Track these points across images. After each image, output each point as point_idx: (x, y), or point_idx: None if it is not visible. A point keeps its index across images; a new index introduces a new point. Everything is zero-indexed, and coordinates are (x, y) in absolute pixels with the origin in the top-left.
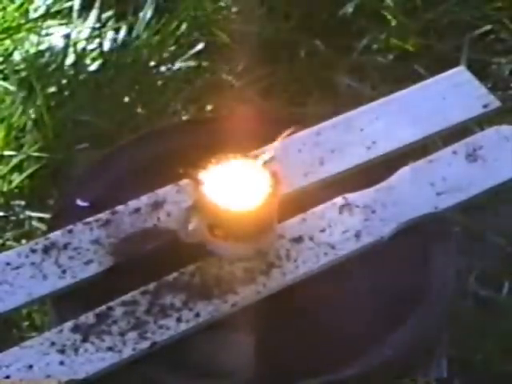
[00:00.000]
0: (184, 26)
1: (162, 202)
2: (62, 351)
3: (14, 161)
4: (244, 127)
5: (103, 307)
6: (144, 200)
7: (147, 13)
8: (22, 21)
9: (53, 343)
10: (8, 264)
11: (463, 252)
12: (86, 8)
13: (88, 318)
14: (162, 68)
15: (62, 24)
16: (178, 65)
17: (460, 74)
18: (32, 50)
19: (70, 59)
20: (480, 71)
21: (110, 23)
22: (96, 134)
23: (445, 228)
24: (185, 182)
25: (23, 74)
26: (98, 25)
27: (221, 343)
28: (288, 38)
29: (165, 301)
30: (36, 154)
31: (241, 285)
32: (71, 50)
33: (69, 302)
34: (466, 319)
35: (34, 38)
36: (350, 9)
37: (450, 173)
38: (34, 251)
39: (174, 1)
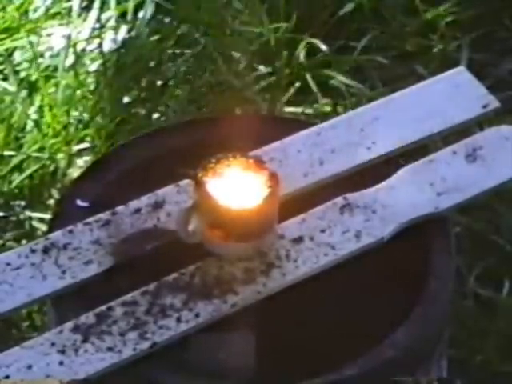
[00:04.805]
0: (184, 26)
1: (162, 202)
2: (62, 351)
3: (14, 161)
4: (244, 127)
5: (103, 307)
6: (144, 200)
7: (147, 13)
8: (22, 21)
9: (53, 343)
10: (8, 264)
11: (463, 252)
12: (85, 8)
13: (88, 318)
14: (162, 68)
15: (61, 24)
16: (178, 65)
17: (460, 74)
18: (32, 50)
19: (70, 59)
20: (480, 71)
21: (109, 23)
22: (96, 133)
23: (445, 228)
24: (185, 182)
25: (23, 73)
26: (97, 25)
27: (221, 343)
28: (288, 38)
29: (165, 301)
30: (36, 154)
31: (241, 285)
32: (71, 50)
33: (69, 303)
34: (466, 319)
35: (33, 38)
36: (349, 9)
37: (449, 173)
38: (34, 251)
39: (174, 1)
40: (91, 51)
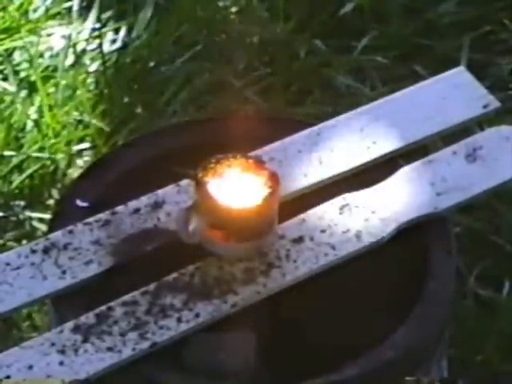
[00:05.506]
0: (184, 26)
1: (162, 202)
2: (62, 351)
3: (14, 161)
4: (244, 127)
5: (103, 307)
6: (144, 200)
7: (147, 13)
8: (22, 21)
9: (53, 343)
10: (8, 264)
11: (463, 252)
12: (85, 8)
13: (88, 318)
14: (162, 68)
15: (61, 24)
16: (177, 65)
17: (460, 74)
18: (32, 50)
19: (70, 59)
20: (480, 71)
21: (109, 23)
22: (96, 133)
23: (445, 228)
24: (185, 181)
25: (23, 74)
26: (97, 25)
27: (221, 343)
28: (288, 38)
29: (165, 301)
30: (36, 154)
31: (241, 285)
32: (71, 50)
33: (69, 303)
34: (466, 319)
35: (33, 38)
36: (349, 9)
37: (449, 173)
38: (34, 252)
39: (173, 1)
40: (91, 51)
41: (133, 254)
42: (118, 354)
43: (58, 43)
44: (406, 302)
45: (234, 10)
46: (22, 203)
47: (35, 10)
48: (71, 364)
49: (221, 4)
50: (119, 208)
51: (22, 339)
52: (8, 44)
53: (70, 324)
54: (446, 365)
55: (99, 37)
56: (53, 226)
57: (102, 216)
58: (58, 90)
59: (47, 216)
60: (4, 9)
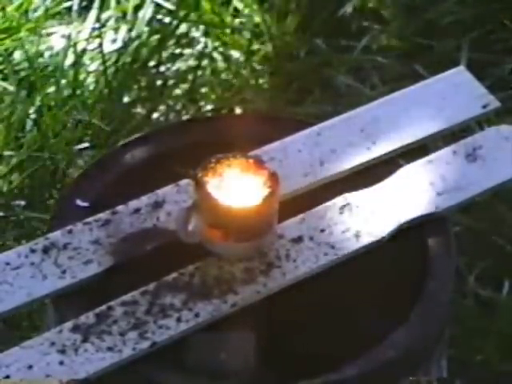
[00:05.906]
0: (184, 26)
1: (162, 202)
2: (61, 351)
3: (14, 161)
4: (244, 127)
5: (103, 307)
6: (144, 200)
7: (147, 13)
8: (22, 21)
9: (53, 343)
10: (8, 264)
11: (463, 252)
12: (85, 8)
13: (88, 317)
14: (162, 68)
15: (61, 24)
16: (177, 65)
17: (460, 73)
18: (32, 50)
19: (70, 59)
20: (480, 71)
21: (109, 23)
22: (96, 133)
23: (445, 228)
24: (185, 181)
25: (23, 73)
26: (97, 25)
27: (221, 343)
28: (288, 38)
29: (165, 301)
30: (36, 153)
31: (241, 285)
32: (71, 50)
33: (69, 302)
34: (466, 319)
35: (33, 38)
36: (349, 9)
37: (449, 173)
38: (33, 251)
39: (173, 0)
40: (91, 51)
41: (132, 254)
42: (118, 353)
43: (57, 43)
44: (406, 301)
45: (233, 9)
46: (22, 203)
47: (35, 10)
48: (71, 364)
49: (220, 4)
50: (119, 208)
51: (22, 339)
52: (8, 44)
53: (69, 324)
54: (446, 365)
55: (99, 36)
56: (52, 225)
57: (102, 216)
58: (58, 90)
59: (47, 216)
60: (4, 9)
